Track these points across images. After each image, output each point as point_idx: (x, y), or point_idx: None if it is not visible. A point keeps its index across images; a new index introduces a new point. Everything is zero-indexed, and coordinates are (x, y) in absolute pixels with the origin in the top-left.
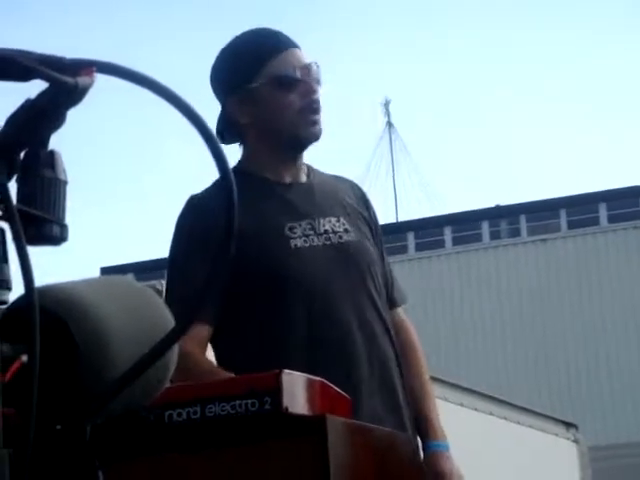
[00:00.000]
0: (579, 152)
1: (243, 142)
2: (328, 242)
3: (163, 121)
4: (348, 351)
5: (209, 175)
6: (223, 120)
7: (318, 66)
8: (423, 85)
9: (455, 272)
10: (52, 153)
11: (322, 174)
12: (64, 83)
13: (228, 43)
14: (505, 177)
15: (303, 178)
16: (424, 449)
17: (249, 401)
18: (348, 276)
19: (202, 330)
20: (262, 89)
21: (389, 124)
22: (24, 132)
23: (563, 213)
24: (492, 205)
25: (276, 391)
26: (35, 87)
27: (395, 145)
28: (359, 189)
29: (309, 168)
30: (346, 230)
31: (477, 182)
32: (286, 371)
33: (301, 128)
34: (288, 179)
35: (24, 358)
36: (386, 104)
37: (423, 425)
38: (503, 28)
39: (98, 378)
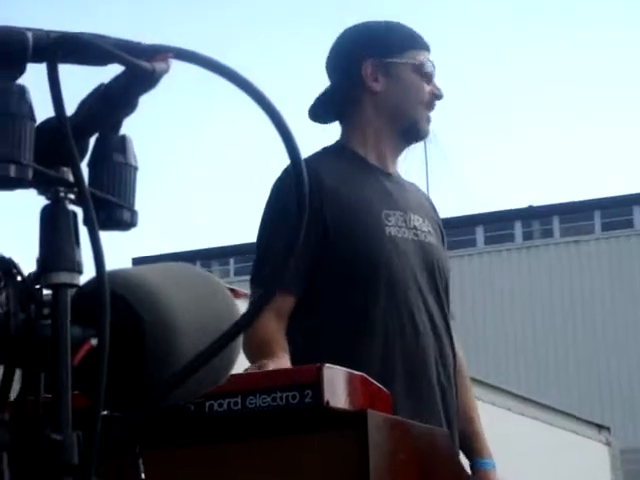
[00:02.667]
0: (614, 154)
1: (354, 114)
2: (416, 238)
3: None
4: (422, 348)
5: (253, 167)
6: (343, 84)
7: None
8: (457, 84)
9: (486, 272)
10: (123, 138)
11: (400, 176)
12: (141, 68)
13: (379, 20)
14: (539, 177)
15: (396, 173)
16: (474, 465)
17: (290, 394)
18: (428, 276)
19: (284, 300)
20: (404, 67)
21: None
22: (96, 116)
23: (597, 215)
24: (525, 205)
25: (317, 384)
26: (108, 72)
27: (429, 143)
28: (428, 197)
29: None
30: (429, 232)
31: (510, 182)
32: (327, 365)
33: (422, 120)
34: (389, 168)
35: (93, 342)
36: None
37: (473, 441)
38: (538, 28)
39: (164, 366)
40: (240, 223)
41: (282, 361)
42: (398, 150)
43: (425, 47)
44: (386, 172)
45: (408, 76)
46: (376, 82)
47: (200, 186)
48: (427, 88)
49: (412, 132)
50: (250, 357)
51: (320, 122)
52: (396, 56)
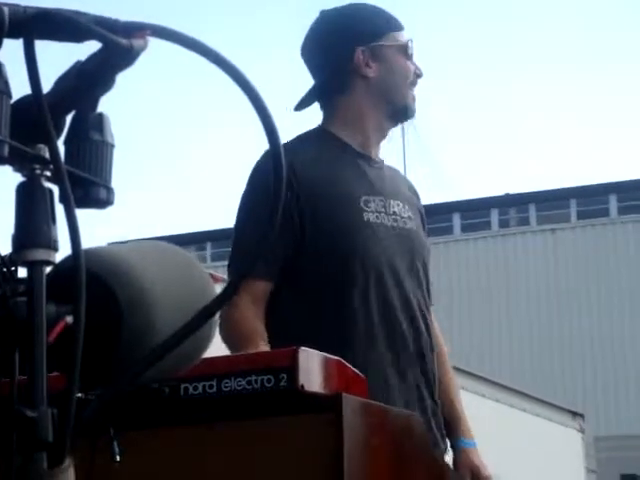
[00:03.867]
0: (591, 142)
1: (342, 100)
2: (395, 224)
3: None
4: (399, 332)
5: (232, 151)
6: (330, 74)
7: None
8: (435, 69)
9: (463, 260)
10: (101, 116)
11: (383, 160)
12: (119, 45)
13: (345, 5)
14: (515, 165)
15: (379, 158)
16: (455, 446)
17: (265, 377)
18: (408, 262)
19: (259, 285)
20: (390, 50)
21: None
22: (73, 94)
23: (573, 203)
24: (502, 193)
25: (292, 368)
26: (85, 49)
27: (407, 129)
28: (407, 180)
29: None
30: (409, 217)
31: (487, 170)
32: (302, 348)
33: (409, 99)
34: (371, 153)
35: (68, 319)
36: None
37: (455, 423)
38: (521, 15)
39: (139, 343)
40: (217, 208)
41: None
42: (384, 133)
43: (401, 27)
44: (368, 157)
45: (395, 58)
46: (368, 68)
47: (177, 171)
48: (411, 67)
49: (402, 113)
50: (231, 347)
51: (300, 110)
52: (382, 39)
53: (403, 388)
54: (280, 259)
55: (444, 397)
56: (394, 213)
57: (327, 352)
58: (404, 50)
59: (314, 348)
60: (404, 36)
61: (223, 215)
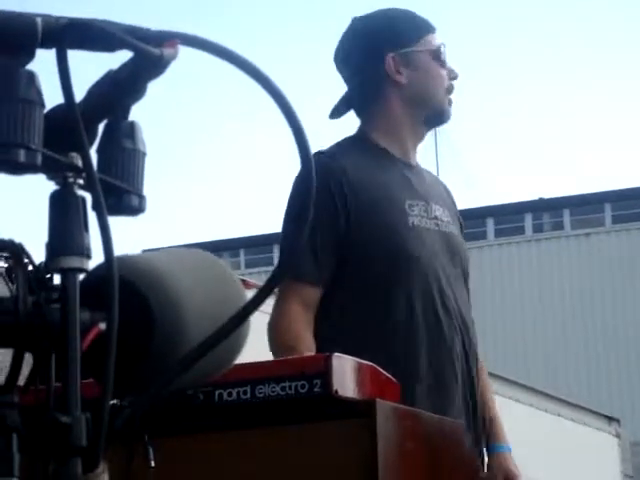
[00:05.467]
0: (625, 146)
1: (377, 106)
2: (437, 227)
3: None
4: (447, 342)
5: (266, 159)
6: (362, 82)
7: None
8: (468, 74)
9: (496, 265)
10: (132, 124)
11: (420, 164)
12: (149, 54)
13: (378, 10)
14: (549, 170)
15: (416, 162)
16: (490, 449)
17: (299, 383)
18: (453, 265)
19: (308, 291)
20: (422, 55)
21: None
22: (105, 102)
23: (608, 207)
24: (535, 198)
25: (326, 374)
26: (116, 58)
27: (439, 134)
28: (444, 184)
29: None
30: (449, 222)
31: (521, 174)
32: (336, 354)
33: (445, 104)
34: (410, 159)
35: (102, 326)
36: None
37: (491, 427)
38: (560, 19)
39: (172, 349)
40: (251, 215)
41: None
42: (420, 138)
43: (433, 29)
44: (408, 163)
45: (427, 63)
46: (399, 74)
47: (211, 177)
48: (444, 72)
49: (437, 118)
50: (276, 353)
51: (336, 117)
52: (413, 45)
53: (441, 388)
54: (330, 265)
55: (479, 400)
56: (435, 217)
57: (370, 354)
58: (436, 55)
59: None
60: (436, 39)
61: (257, 222)
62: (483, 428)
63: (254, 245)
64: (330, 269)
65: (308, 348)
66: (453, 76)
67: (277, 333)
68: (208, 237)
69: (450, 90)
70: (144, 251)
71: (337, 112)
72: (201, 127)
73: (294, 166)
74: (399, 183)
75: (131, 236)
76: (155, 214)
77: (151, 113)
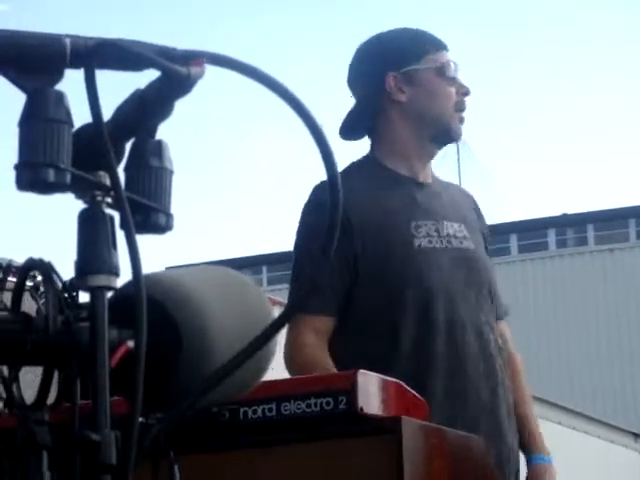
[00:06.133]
0: None
1: (382, 127)
2: (450, 246)
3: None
4: (462, 363)
5: (287, 175)
6: (368, 101)
7: None
8: (489, 87)
9: (520, 281)
10: (159, 143)
11: (440, 179)
12: (177, 73)
13: (385, 31)
14: (573, 185)
15: (430, 179)
16: (530, 461)
17: (324, 400)
18: (466, 282)
19: (321, 321)
20: (425, 73)
21: (460, 138)
22: (133, 121)
23: (632, 223)
24: (559, 213)
25: (351, 391)
26: (142, 77)
27: (461, 150)
28: (470, 196)
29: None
30: (465, 237)
31: (544, 190)
32: (361, 371)
33: (453, 122)
34: (419, 177)
35: (130, 344)
36: None
37: (530, 439)
38: (581, 34)
39: (199, 367)
40: (273, 232)
41: None
42: (429, 156)
43: (442, 47)
44: (416, 181)
45: (431, 80)
46: (401, 92)
47: (233, 194)
48: (452, 89)
49: (444, 136)
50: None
51: (351, 140)
52: (415, 63)
53: (462, 417)
54: (339, 293)
55: (517, 412)
56: (447, 235)
57: None
58: (441, 71)
59: None
60: (445, 57)
61: (279, 238)
62: (521, 439)
63: (276, 262)
64: (339, 298)
65: (324, 368)
66: (463, 92)
67: (293, 361)
68: (230, 254)
69: (460, 107)
70: (168, 268)
71: (350, 133)
72: (223, 143)
73: (318, 180)
74: (406, 204)
75: (154, 253)
76: (178, 231)
77: (173, 129)
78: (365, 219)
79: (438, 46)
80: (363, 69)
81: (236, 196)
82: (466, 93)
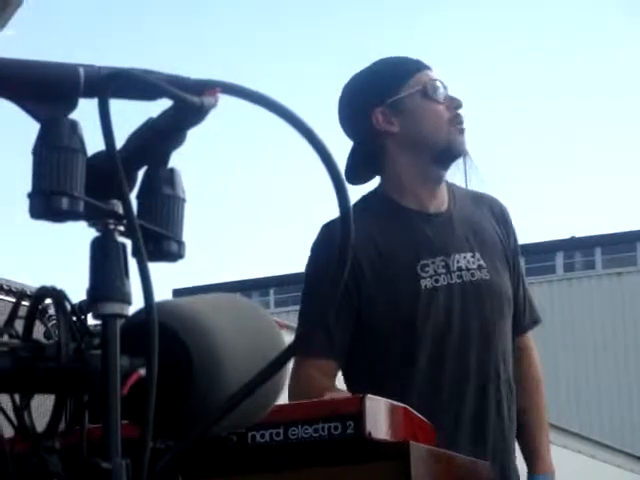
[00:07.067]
0: None
1: (383, 163)
2: (460, 280)
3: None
4: (463, 395)
5: (295, 198)
6: (363, 141)
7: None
8: (497, 113)
9: None
10: (172, 171)
11: (462, 194)
12: (190, 102)
13: (363, 68)
14: (581, 208)
15: (444, 206)
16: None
17: (332, 425)
18: (480, 314)
19: (328, 364)
20: (410, 99)
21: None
22: (145, 150)
23: None
24: (567, 236)
25: (359, 416)
26: (155, 106)
27: (469, 172)
28: (499, 206)
29: (449, 188)
30: (480, 267)
31: (552, 212)
32: (369, 396)
33: (451, 137)
34: (429, 208)
35: (142, 371)
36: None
37: (532, 457)
38: (590, 51)
39: (210, 395)
40: (280, 254)
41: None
42: (435, 181)
43: (423, 67)
44: (426, 214)
45: (418, 104)
46: (391, 125)
47: (239, 217)
48: (440, 107)
49: (444, 154)
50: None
51: (360, 184)
52: (398, 92)
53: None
54: (344, 338)
55: (527, 429)
56: (458, 269)
57: None
58: (425, 92)
59: None
60: (428, 76)
61: (286, 261)
62: (526, 458)
63: (284, 284)
64: (344, 343)
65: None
66: (456, 105)
67: (301, 391)
68: (237, 276)
69: (456, 120)
70: (175, 290)
71: (359, 179)
72: (231, 166)
73: (324, 205)
74: (413, 242)
75: (160, 275)
76: (178, 261)
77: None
78: (369, 266)
79: (419, 67)
80: (348, 113)
81: (244, 218)
82: (458, 106)
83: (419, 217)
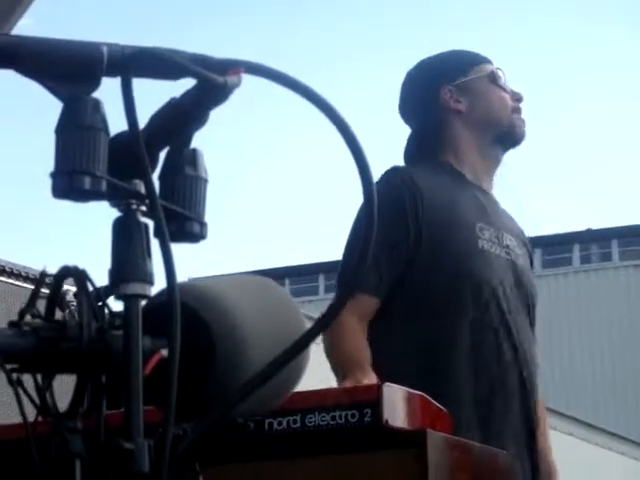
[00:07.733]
0: None
1: (446, 137)
2: (507, 256)
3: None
4: (502, 372)
5: (314, 189)
6: (428, 117)
7: None
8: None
9: (545, 295)
10: (194, 151)
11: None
12: (214, 81)
13: (430, 55)
14: (598, 200)
15: (492, 190)
16: None
17: (349, 412)
18: (519, 295)
19: (365, 301)
20: (477, 81)
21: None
22: (168, 130)
23: None
24: (584, 228)
25: (376, 403)
26: (177, 86)
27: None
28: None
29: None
30: (519, 254)
31: (569, 205)
32: (387, 384)
33: (516, 124)
34: (483, 184)
35: (164, 352)
36: None
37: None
38: (609, 45)
39: (232, 377)
40: (296, 244)
41: (371, 376)
42: (494, 161)
43: (486, 60)
44: (481, 188)
45: (485, 87)
46: (458, 103)
47: (256, 207)
48: (505, 94)
49: (507, 136)
50: (336, 365)
51: (413, 163)
52: (466, 74)
53: (492, 420)
54: (391, 279)
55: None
56: (507, 246)
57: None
58: (493, 78)
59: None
60: (492, 67)
61: (302, 251)
62: None
63: (299, 274)
64: (390, 283)
65: (368, 360)
66: (517, 97)
67: (333, 345)
68: (253, 266)
69: (517, 111)
70: (191, 280)
71: (411, 157)
72: (248, 156)
73: (340, 195)
74: (472, 205)
75: (177, 264)
76: (200, 242)
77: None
78: (432, 212)
79: (484, 59)
80: (416, 90)
81: (260, 208)
82: (520, 99)
83: (477, 189)
